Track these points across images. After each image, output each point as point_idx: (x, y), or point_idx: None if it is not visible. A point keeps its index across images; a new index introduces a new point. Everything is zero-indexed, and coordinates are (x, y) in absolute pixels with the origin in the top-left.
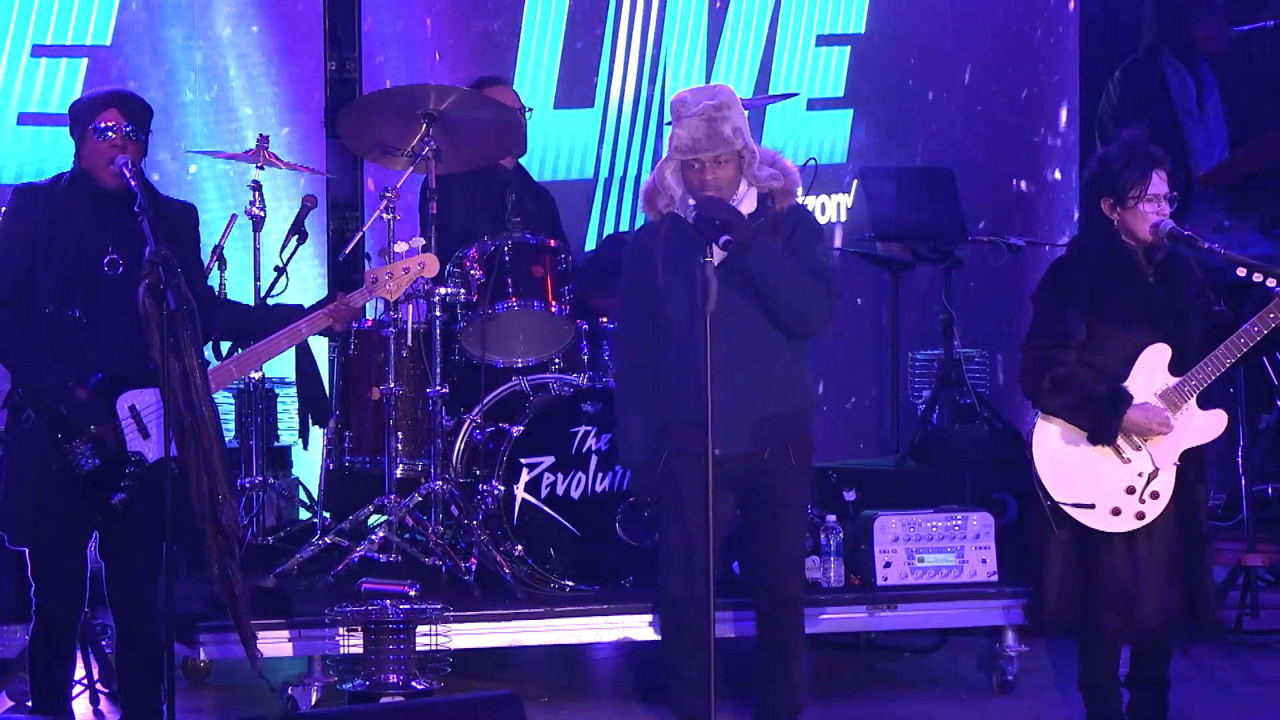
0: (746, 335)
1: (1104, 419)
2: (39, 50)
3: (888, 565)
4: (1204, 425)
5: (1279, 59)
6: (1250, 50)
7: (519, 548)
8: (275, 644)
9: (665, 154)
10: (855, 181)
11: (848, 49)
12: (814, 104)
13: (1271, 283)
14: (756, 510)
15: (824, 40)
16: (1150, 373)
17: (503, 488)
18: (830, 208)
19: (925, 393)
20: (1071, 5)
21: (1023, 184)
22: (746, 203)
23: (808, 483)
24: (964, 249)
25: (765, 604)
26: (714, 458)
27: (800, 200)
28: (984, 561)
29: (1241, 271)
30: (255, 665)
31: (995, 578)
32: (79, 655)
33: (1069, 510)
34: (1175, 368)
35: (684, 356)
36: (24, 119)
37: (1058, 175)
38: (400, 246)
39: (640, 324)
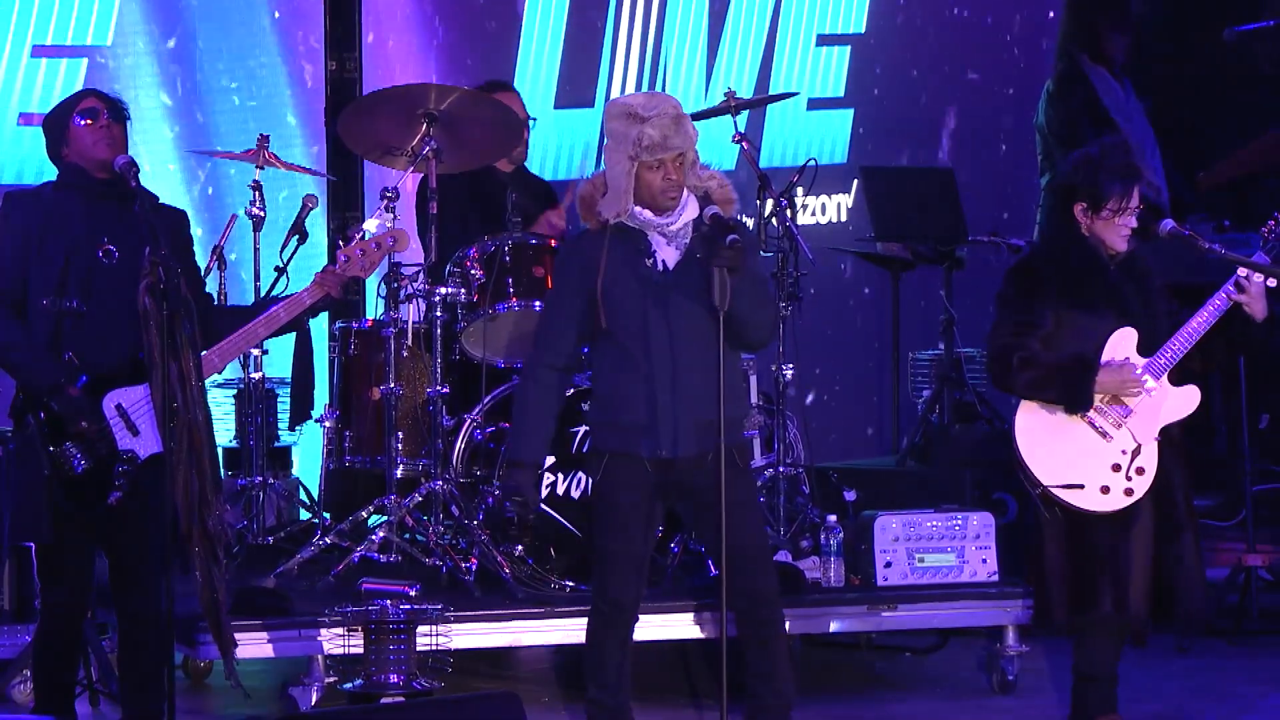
0: (694, 342)
1: (1075, 385)
2: (39, 50)
3: (888, 565)
4: (1178, 402)
5: (1279, 60)
6: (1251, 51)
7: (519, 548)
8: (275, 644)
9: (604, 164)
10: (855, 181)
11: (848, 49)
12: (814, 104)
13: (1272, 282)
14: (706, 512)
15: (824, 40)
16: (1118, 355)
17: None
18: (830, 208)
19: (925, 393)
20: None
21: (1023, 184)
22: (689, 209)
23: (754, 483)
24: (964, 249)
25: (742, 603)
26: (659, 460)
27: (707, 214)
28: (984, 561)
29: (1242, 271)
30: (232, 674)
31: (995, 578)
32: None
33: (1059, 494)
34: (1144, 350)
35: (630, 361)
36: (24, 119)
37: (1040, 174)
38: (370, 224)
39: (568, 328)
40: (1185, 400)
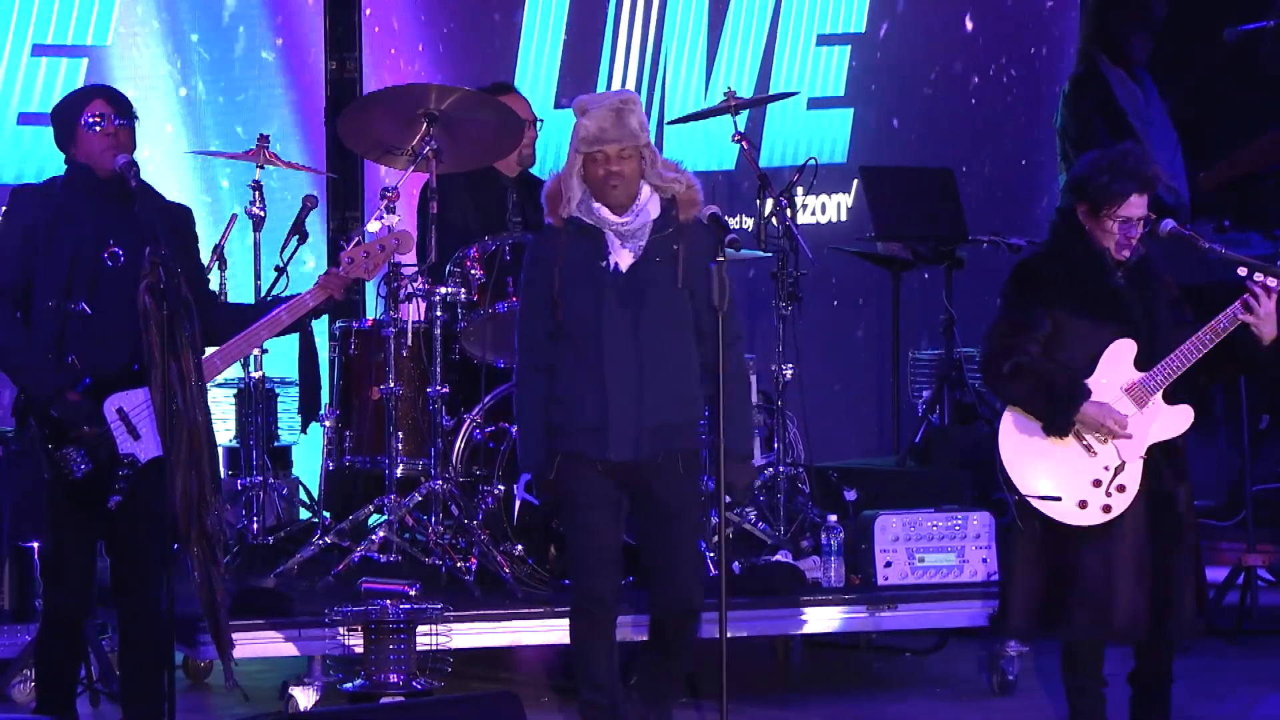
0: (649, 344)
1: (1059, 409)
2: (39, 50)
3: (888, 565)
4: (1170, 420)
5: (1279, 60)
6: (1251, 51)
7: (519, 547)
8: (275, 644)
9: (566, 159)
10: (855, 181)
11: (848, 49)
12: (814, 104)
13: (1273, 282)
14: (652, 518)
15: (824, 40)
16: (1115, 367)
17: (503, 487)
18: (830, 208)
19: (925, 393)
20: (1068, 9)
21: (1023, 184)
22: (649, 209)
23: (698, 491)
24: (964, 249)
25: (663, 611)
26: (608, 463)
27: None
28: (984, 561)
29: (1242, 271)
30: (230, 676)
31: (995, 578)
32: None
33: (1035, 504)
34: (1141, 364)
35: (583, 362)
36: (24, 119)
37: (1058, 175)
38: (373, 226)
39: (542, 328)
40: (1177, 420)
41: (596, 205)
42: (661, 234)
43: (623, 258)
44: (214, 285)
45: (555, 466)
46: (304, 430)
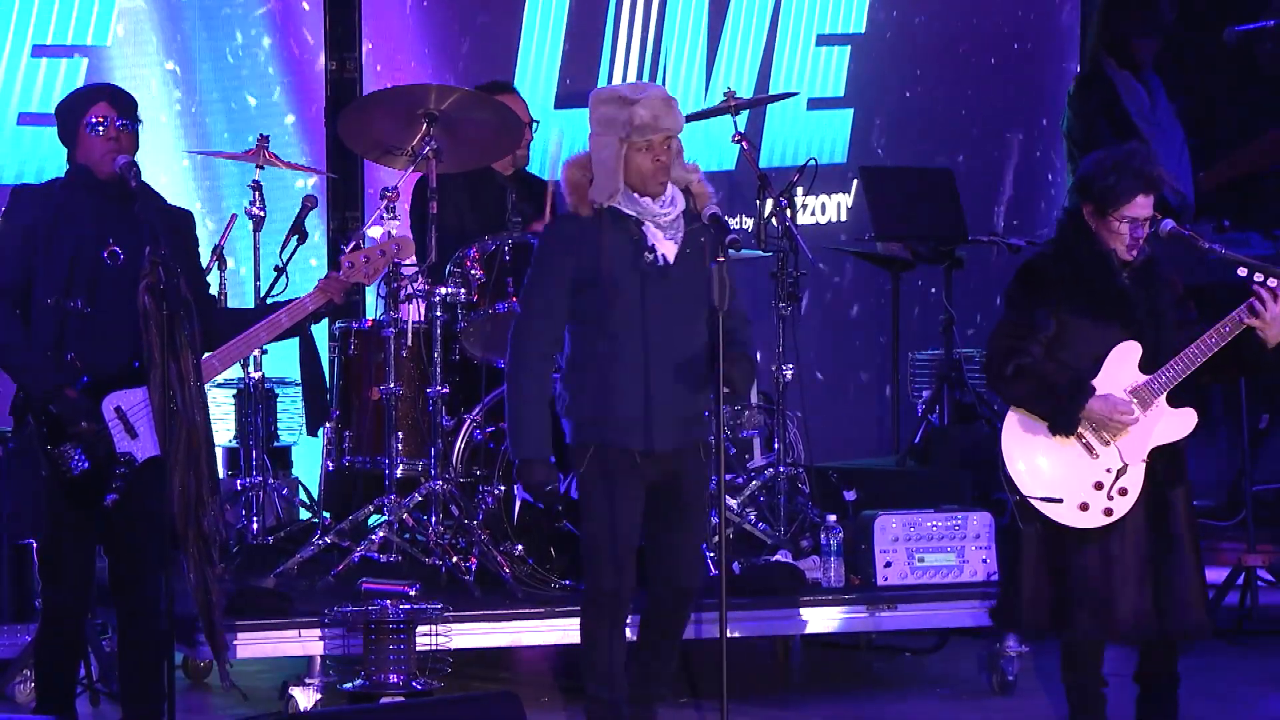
0: (685, 336)
1: (1064, 408)
2: (39, 50)
3: (888, 565)
4: (1173, 423)
5: (1279, 60)
6: (1251, 51)
7: (519, 547)
8: (275, 644)
9: (589, 146)
10: (855, 181)
11: (848, 49)
12: (814, 104)
13: (1273, 282)
14: (668, 505)
15: (824, 40)
16: (1119, 369)
17: (503, 487)
18: (830, 208)
19: (925, 393)
20: (1067, 9)
21: (1022, 184)
22: (678, 201)
23: (709, 483)
24: (964, 249)
25: (669, 601)
26: (650, 453)
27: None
28: (984, 561)
29: (1242, 271)
30: (225, 677)
31: (995, 578)
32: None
33: (1037, 505)
34: (1146, 366)
35: (622, 352)
36: (24, 119)
37: (1058, 176)
38: (374, 231)
39: (556, 313)
40: (1180, 423)
41: (637, 195)
42: (693, 225)
43: (667, 249)
44: (214, 286)
45: (586, 459)
46: (311, 433)
